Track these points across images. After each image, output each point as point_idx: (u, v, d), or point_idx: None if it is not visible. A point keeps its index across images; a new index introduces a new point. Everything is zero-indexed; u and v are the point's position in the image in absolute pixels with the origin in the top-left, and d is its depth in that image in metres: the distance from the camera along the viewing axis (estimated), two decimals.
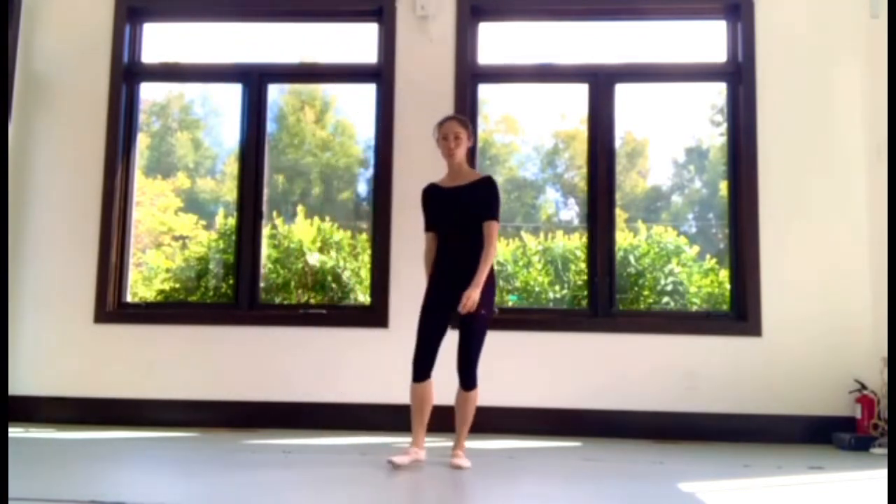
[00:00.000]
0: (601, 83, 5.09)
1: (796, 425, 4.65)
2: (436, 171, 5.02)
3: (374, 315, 4.92)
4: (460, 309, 3.53)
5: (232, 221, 5.31)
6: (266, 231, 5.26)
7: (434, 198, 3.80)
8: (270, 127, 5.35)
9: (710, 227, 5.47)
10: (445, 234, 3.73)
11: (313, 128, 5.66)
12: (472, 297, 3.50)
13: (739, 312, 4.86)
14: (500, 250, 5.40)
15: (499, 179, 5.51)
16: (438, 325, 3.65)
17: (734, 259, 4.95)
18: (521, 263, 5.39)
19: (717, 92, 5.27)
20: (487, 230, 3.64)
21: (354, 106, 5.56)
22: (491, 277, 3.65)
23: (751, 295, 4.79)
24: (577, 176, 5.37)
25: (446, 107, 5.00)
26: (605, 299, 4.92)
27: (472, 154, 3.81)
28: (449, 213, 3.73)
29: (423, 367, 3.61)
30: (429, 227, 3.81)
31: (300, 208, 5.50)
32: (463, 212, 3.67)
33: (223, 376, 4.90)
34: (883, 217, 4.54)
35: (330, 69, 5.34)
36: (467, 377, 3.61)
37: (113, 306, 5.06)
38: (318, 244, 5.46)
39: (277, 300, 5.34)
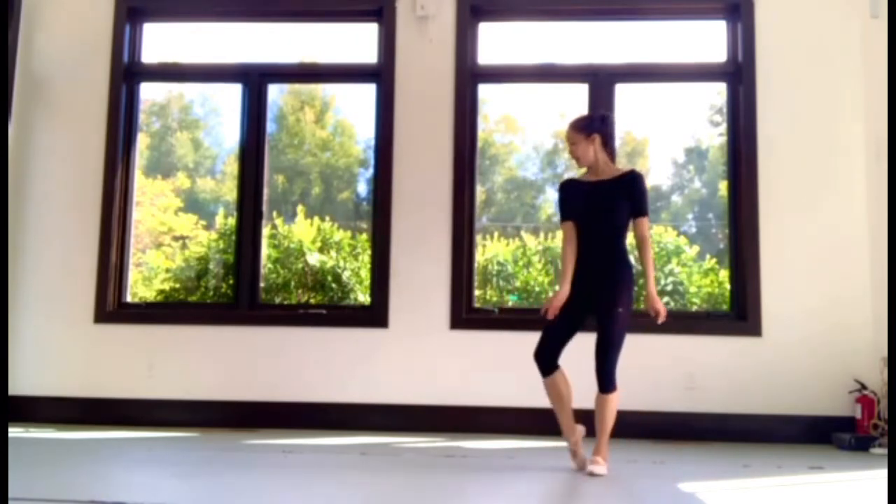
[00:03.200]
0: (601, 83, 5.09)
1: (796, 425, 4.64)
2: (436, 170, 5.06)
3: (374, 315, 4.92)
4: (657, 317, 3.49)
5: (232, 221, 5.31)
6: (266, 231, 5.26)
7: (571, 192, 3.66)
8: (270, 127, 5.35)
9: (710, 227, 5.47)
10: (582, 231, 3.56)
11: (313, 128, 5.66)
12: (656, 307, 3.48)
13: (739, 312, 4.86)
14: (500, 250, 5.40)
15: (498, 179, 5.57)
16: (571, 324, 3.52)
17: (734, 259, 4.95)
18: (521, 263, 5.39)
19: (716, 92, 5.27)
20: (640, 228, 3.51)
21: (354, 106, 5.57)
22: (631, 274, 3.51)
23: (751, 295, 4.78)
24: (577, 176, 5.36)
25: (446, 107, 5.01)
26: None
27: (608, 149, 3.63)
28: (587, 208, 3.58)
29: (546, 360, 3.49)
30: (565, 217, 3.63)
31: (300, 208, 5.50)
32: (602, 207, 3.53)
33: (223, 376, 4.90)
34: (883, 217, 4.54)
35: (330, 69, 5.34)
36: (606, 380, 3.42)
37: (113, 306, 5.06)
38: (318, 244, 5.46)
39: (277, 300, 5.34)
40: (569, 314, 3.52)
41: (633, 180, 3.56)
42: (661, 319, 3.50)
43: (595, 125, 3.62)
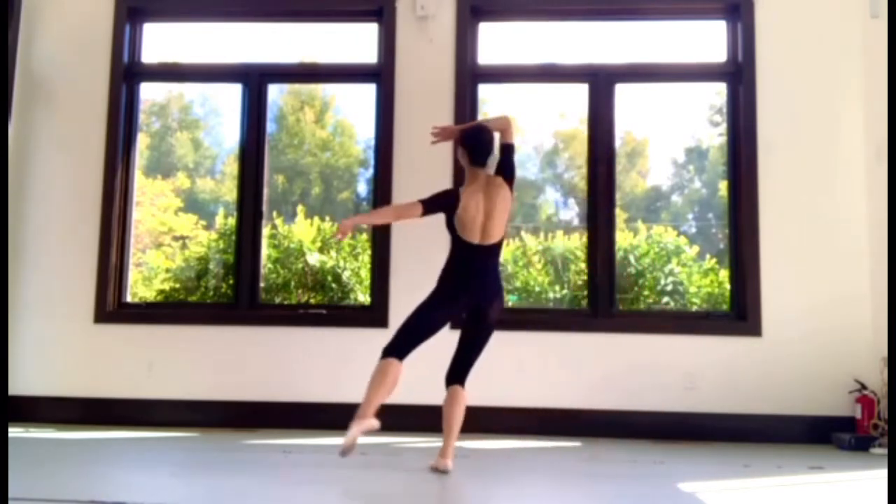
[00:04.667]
0: (601, 83, 5.09)
1: (796, 425, 4.65)
2: (436, 171, 5.05)
3: (374, 315, 4.92)
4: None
5: (232, 221, 5.31)
6: (266, 231, 5.26)
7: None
8: (270, 127, 5.35)
9: (710, 227, 5.47)
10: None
11: (313, 128, 5.66)
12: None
13: (739, 312, 4.86)
14: None
15: None
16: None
17: (734, 259, 4.95)
18: (521, 263, 5.39)
19: (716, 92, 5.27)
20: None
21: (354, 106, 5.57)
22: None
23: (751, 295, 4.79)
24: (577, 176, 5.37)
25: (446, 107, 5.00)
26: (605, 299, 4.92)
27: (472, 166, 3.76)
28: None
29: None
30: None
31: (300, 208, 5.50)
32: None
33: (223, 376, 4.89)
34: (882, 216, 4.54)
35: (330, 69, 5.34)
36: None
37: (113, 306, 5.06)
38: (318, 244, 5.46)
39: (277, 300, 5.34)
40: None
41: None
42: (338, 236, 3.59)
43: (464, 139, 3.74)
